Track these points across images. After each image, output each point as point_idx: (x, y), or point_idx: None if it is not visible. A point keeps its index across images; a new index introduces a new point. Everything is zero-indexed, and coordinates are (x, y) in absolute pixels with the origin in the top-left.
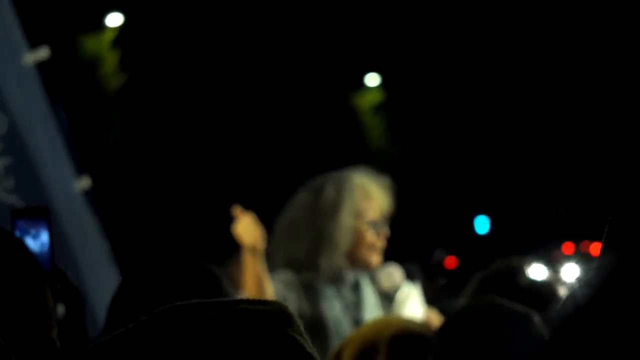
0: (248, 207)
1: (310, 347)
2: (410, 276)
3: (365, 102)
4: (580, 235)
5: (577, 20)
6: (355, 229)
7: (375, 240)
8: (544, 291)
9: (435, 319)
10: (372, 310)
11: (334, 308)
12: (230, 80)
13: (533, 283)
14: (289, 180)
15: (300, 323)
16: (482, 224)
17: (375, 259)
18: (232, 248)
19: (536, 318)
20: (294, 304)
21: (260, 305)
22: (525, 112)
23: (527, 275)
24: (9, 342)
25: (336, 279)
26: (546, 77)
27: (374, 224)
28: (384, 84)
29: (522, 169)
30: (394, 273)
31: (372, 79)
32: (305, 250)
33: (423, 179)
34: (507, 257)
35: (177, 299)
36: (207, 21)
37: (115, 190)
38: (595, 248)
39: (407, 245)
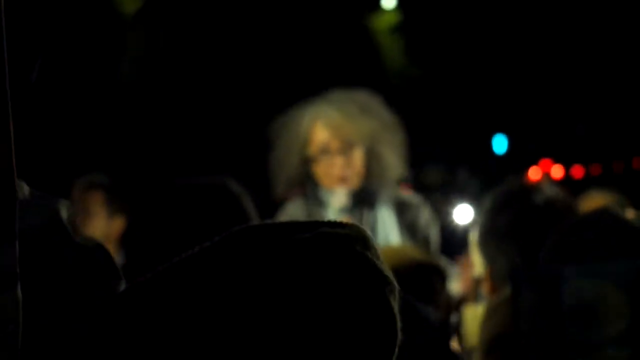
0: (259, 132)
1: (387, 271)
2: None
3: (382, 24)
4: (599, 156)
5: None
6: (305, 157)
7: (330, 166)
8: (561, 208)
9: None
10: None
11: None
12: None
13: (549, 199)
14: (304, 103)
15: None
16: (500, 143)
17: (334, 182)
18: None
19: None
20: None
21: (340, 229)
22: (546, 29)
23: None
24: None
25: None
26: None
27: (324, 150)
28: (400, 5)
29: (541, 88)
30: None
31: (388, 1)
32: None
33: (441, 99)
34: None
35: (199, 218)
36: None
37: (126, 116)
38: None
39: (428, 165)
